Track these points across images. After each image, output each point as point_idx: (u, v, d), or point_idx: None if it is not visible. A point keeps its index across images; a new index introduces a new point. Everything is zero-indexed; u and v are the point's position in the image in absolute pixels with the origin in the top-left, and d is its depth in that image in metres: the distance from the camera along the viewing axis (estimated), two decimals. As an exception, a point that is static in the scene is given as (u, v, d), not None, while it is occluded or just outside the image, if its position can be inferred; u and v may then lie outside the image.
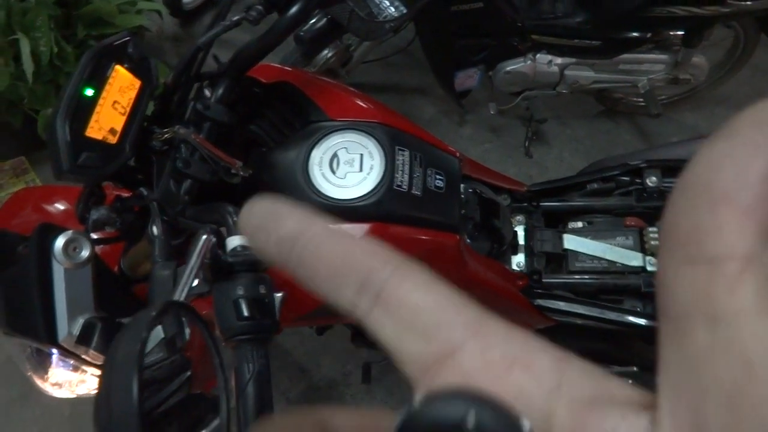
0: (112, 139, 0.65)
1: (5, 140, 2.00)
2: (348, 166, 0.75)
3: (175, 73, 0.74)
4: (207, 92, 0.78)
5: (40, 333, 0.76)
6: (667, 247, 0.14)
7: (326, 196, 0.74)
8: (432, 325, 0.16)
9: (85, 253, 0.70)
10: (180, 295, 0.56)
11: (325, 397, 1.48)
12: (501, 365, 0.15)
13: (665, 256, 0.14)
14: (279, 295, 0.57)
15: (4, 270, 0.92)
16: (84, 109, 0.63)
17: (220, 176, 0.71)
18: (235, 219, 0.66)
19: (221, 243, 0.60)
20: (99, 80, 0.64)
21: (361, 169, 0.75)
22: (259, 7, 0.74)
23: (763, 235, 0.13)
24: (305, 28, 2.10)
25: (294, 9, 0.73)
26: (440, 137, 0.87)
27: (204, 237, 0.58)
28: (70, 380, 0.96)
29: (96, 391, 0.29)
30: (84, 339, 0.69)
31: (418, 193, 0.76)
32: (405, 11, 0.84)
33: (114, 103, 0.66)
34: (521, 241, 0.94)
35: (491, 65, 1.88)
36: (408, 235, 0.75)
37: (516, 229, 0.95)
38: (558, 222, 1.00)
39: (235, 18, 0.76)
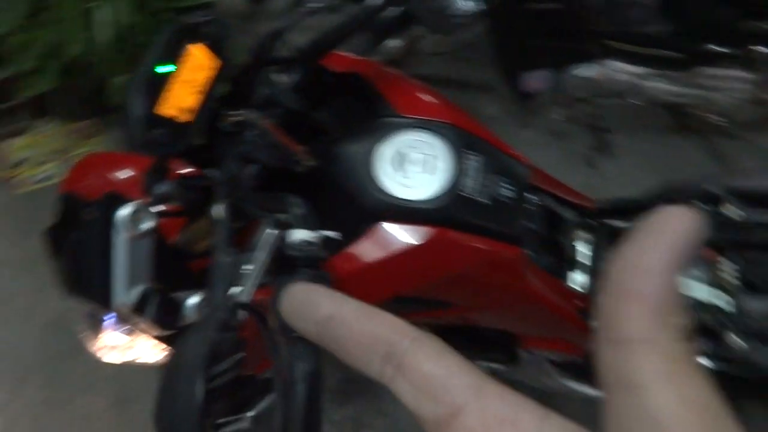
0: (183, 118, 0.65)
1: (76, 103, 2.07)
2: (415, 166, 0.73)
3: (250, 57, 0.74)
4: (276, 77, 0.78)
5: (98, 296, 0.78)
6: (597, 329, 0.18)
7: (390, 194, 0.72)
8: (441, 390, 0.20)
9: (148, 224, 0.71)
10: (247, 293, 0.55)
11: (363, 390, 1.49)
12: (494, 423, 0.19)
13: (597, 336, 0.18)
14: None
15: (68, 232, 0.95)
16: (157, 86, 0.63)
17: (285, 164, 0.70)
18: (299, 211, 0.65)
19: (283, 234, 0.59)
20: (174, 58, 0.64)
21: (428, 171, 0.73)
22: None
23: (662, 320, 0.17)
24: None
25: None
26: (500, 137, 0.84)
27: (272, 232, 0.57)
28: (120, 346, 0.99)
29: (160, 385, 0.28)
30: (139, 308, 0.69)
31: (484, 201, 0.73)
32: (481, 6, 0.81)
33: (187, 81, 0.65)
34: (584, 259, 0.90)
35: (561, 68, 1.82)
36: (469, 243, 0.72)
37: (578, 245, 0.91)
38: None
39: (314, 5, 0.75)
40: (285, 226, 0.60)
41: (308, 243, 0.56)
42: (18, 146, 2.08)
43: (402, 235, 0.71)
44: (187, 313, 0.74)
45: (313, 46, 0.76)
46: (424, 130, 0.76)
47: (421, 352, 0.21)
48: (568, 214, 0.92)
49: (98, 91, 1.92)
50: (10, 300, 1.67)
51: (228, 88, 0.75)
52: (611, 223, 0.95)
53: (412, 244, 0.70)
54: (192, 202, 0.77)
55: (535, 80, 1.83)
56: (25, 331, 1.64)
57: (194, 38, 0.66)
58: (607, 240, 0.93)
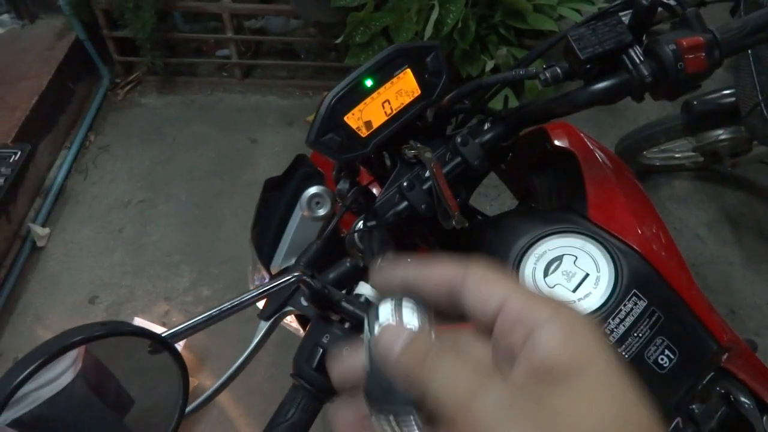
0: (363, 132, 0.67)
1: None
2: (564, 277, 0.63)
3: (452, 97, 0.72)
4: (478, 126, 0.75)
5: (263, 252, 0.88)
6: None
7: None
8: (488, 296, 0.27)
9: (322, 211, 0.77)
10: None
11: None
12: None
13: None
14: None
15: (281, 186, 1.08)
16: (356, 96, 0.66)
17: (435, 214, 0.68)
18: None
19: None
20: (383, 76, 0.66)
21: (574, 290, 0.62)
22: (558, 70, 0.64)
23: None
24: (701, 96, 1.80)
25: (605, 84, 0.62)
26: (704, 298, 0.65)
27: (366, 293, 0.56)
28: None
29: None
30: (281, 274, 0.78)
31: (624, 356, 0.59)
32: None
33: (385, 101, 0.67)
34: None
35: None
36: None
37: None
38: None
39: (526, 72, 0.68)
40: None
41: (367, 300, 0.54)
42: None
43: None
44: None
45: (522, 112, 0.71)
46: (601, 247, 0.64)
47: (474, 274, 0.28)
48: (762, 422, 0.68)
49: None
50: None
51: (423, 120, 0.76)
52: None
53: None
54: (362, 208, 0.81)
55: None
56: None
57: (410, 63, 0.68)
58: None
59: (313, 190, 0.77)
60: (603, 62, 0.63)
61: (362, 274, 0.65)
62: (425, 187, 0.68)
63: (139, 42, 2.30)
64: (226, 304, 0.52)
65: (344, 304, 0.53)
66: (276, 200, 0.98)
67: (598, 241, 0.64)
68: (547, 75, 0.64)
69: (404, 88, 0.68)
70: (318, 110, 0.67)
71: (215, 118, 2.47)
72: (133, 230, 2.06)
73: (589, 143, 0.77)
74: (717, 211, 2.10)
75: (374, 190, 0.83)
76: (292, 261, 0.73)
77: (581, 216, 0.69)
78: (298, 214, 0.79)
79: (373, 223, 0.72)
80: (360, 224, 0.74)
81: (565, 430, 0.21)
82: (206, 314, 0.51)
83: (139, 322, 1.66)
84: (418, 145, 0.71)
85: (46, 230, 2.00)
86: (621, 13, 0.67)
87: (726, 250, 1.99)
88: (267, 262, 0.87)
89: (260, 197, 1.07)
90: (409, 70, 0.67)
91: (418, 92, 0.68)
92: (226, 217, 2.08)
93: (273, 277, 0.71)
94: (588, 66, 0.63)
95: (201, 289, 1.90)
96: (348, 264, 0.66)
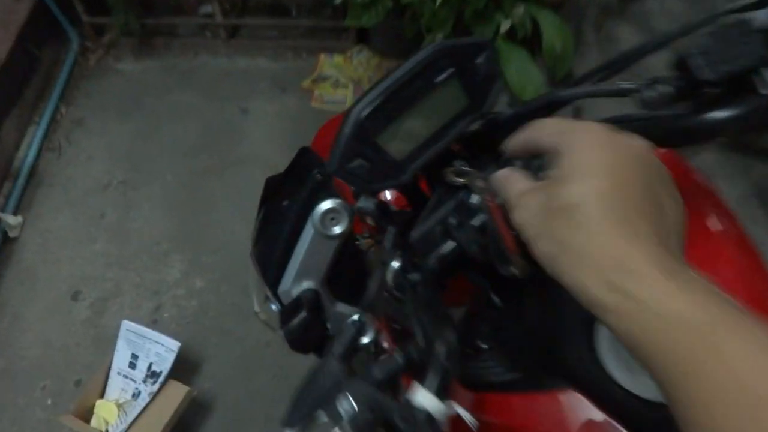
0: (398, 154, 0.52)
1: (392, 43, 2.12)
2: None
3: (514, 114, 0.56)
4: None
5: (268, 275, 0.75)
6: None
7: (613, 380, 0.55)
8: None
9: (339, 229, 0.64)
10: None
11: None
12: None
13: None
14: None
15: (286, 185, 0.94)
16: (390, 110, 0.50)
17: (489, 258, 0.53)
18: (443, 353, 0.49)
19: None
20: (423, 83, 0.51)
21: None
22: (669, 88, 0.47)
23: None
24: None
25: (732, 112, 0.45)
26: None
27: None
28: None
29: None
30: (293, 304, 0.66)
31: None
32: None
33: (425, 115, 0.52)
34: None
35: None
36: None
37: None
38: None
39: (620, 86, 0.51)
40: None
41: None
42: (329, 63, 2.24)
43: (593, 415, 0.57)
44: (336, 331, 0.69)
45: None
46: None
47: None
48: None
49: (415, 39, 1.92)
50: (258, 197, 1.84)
51: (473, 137, 0.60)
52: None
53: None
54: (384, 230, 0.67)
55: None
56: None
57: (456, 65, 0.51)
58: None
59: (327, 204, 0.63)
60: (731, 83, 0.46)
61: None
62: (476, 221, 0.53)
63: None
64: None
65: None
66: (282, 214, 0.85)
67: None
68: (653, 94, 0.47)
69: (450, 96, 0.52)
70: (341, 129, 0.51)
71: (199, 84, 2.25)
72: (115, 216, 1.88)
73: (697, 179, 0.62)
74: (746, 186, 1.96)
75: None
76: (303, 285, 0.68)
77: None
78: (310, 231, 0.66)
79: (416, 276, 0.58)
80: (395, 263, 0.60)
81: (563, 191, 0.33)
82: None
83: (127, 325, 1.52)
84: (466, 168, 0.56)
85: (19, 219, 1.82)
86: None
87: (756, 229, 1.87)
88: (274, 288, 0.75)
89: (261, 202, 0.92)
90: (454, 75, 0.51)
91: (465, 102, 0.53)
92: (217, 198, 1.90)
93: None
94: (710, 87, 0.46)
95: (193, 281, 1.74)
96: (397, 362, 0.53)
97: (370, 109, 0.50)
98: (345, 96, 2.17)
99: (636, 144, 0.35)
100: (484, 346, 0.86)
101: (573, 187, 0.32)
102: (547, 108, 0.57)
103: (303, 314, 0.67)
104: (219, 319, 1.66)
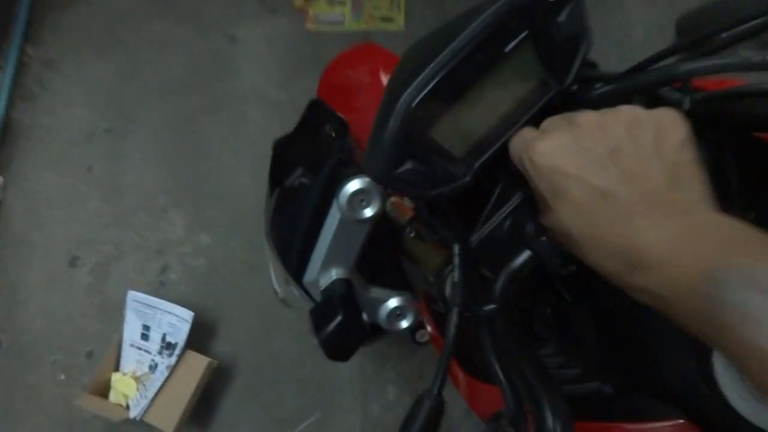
0: (458, 149, 0.41)
1: None
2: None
3: (612, 91, 0.40)
4: None
5: (290, 263, 0.68)
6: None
7: (735, 411, 0.48)
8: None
9: (370, 211, 0.57)
10: None
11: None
12: None
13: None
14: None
15: (301, 146, 0.84)
16: (446, 94, 0.39)
17: (558, 268, 0.42)
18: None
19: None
20: (489, 53, 0.37)
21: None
22: None
23: None
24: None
25: None
26: None
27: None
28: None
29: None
30: (324, 307, 0.59)
31: None
32: None
33: (492, 96, 0.39)
34: None
35: None
36: None
37: None
38: None
39: (740, 60, 0.37)
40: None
41: None
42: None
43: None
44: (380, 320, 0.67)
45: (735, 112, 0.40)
46: None
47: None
48: None
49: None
50: (259, 140, 1.67)
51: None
52: None
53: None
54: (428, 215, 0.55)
55: None
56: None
57: (531, 27, 0.37)
58: None
59: (355, 184, 0.55)
60: None
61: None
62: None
63: None
64: None
65: None
66: (301, 194, 0.77)
67: None
68: None
69: (520, 69, 0.38)
70: (383, 122, 0.39)
71: (180, 10, 1.98)
72: (104, 169, 1.72)
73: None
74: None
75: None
76: (332, 274, 0.63)
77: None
78: (336, 216, 0.58)
79: (492, 307, 0.45)
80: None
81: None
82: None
83: (133, 295, 1.41)
84: None
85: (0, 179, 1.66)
86: None
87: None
88: (298, 277, 0.67)
89: (271, 170, 0.82)
90: (528, 39, 0.37)
91: (541, 74, 0.38)
92: (213, 142, 1.72)
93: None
94: None
95: (198, 237, 1.62)
96: None
97: (422, 95, 0.37)
98: (343, 14, 1.92)
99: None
100: (543, 335, 0.75)
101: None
102: (665, 84, 0.41)
103: (339, 318, 0.55)
104: (230, 278, 1.55)
